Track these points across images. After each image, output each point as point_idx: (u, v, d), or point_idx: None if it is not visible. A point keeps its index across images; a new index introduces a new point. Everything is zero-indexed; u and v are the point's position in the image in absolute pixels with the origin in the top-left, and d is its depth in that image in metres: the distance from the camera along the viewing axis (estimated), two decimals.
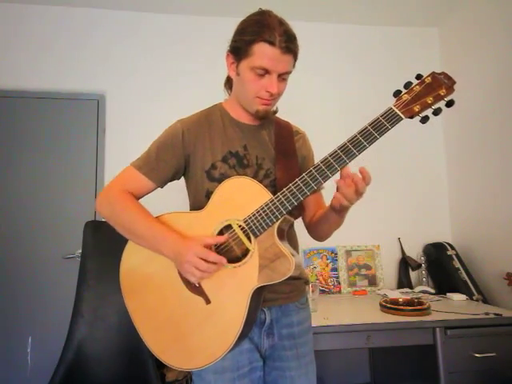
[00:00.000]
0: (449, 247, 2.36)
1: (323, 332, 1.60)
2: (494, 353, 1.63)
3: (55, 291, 2.18)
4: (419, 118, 0.83)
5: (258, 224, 0.89)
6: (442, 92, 0.81)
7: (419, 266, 2.36)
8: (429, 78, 0.83)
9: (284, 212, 0.88)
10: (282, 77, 0.95)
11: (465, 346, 1.65)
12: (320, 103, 2.53)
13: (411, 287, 2.33)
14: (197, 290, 0.92)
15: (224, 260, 0.87)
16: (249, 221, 0.90)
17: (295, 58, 0.96)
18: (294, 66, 0.98)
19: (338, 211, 0.93)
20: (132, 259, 1.01)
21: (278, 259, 0.87)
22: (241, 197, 0.92)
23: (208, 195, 0.98)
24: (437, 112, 0.82)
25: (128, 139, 2.33)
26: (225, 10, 2.45)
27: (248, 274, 0.89)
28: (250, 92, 0.96)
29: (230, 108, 1.07)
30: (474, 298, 2.08)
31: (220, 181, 0.96)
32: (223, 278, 0.90)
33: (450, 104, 0.82)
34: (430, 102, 0.81)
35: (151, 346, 0.94)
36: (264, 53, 0.90)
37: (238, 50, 0.95)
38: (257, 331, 0.99)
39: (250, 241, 0.90)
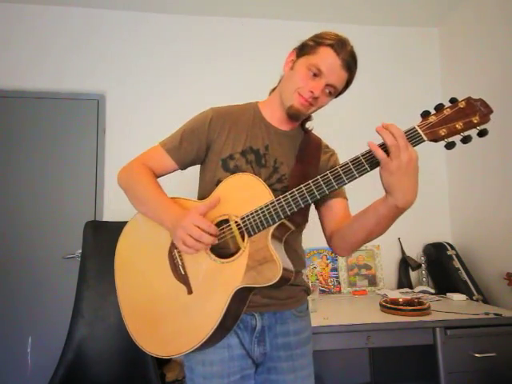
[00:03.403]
0: (449, 247, 2.36)
1: (323, 332, 1.60)
2: (494, 353, 1.63)
3: (55, 291, 2.18)
4: (444, 143, 0.77)
5: (254, 223, 0.88)
6: (475, 119, 0.74)
7: (419, 265, 2.36)
8: (463, 102, 0.76)
9: (282, 216, 0.86)
10: (329, 89, 0.97)
11: (465, 346, 1.65)
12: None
13: (411, 287, 2.33)
14: (182, 277, 0.91)
15: (216, 230, 0.87)
16: (246, 219, 0.89)
17: (348, 80, 0.98)
18: (342, 90, 1.01)
19: (387, 189, 0.79)
20: (128, 238, 1.03)
21: (266, 263, 0.85)
22: (243, 194, 0.92)
23: (218, 184, 0.97)
24: (466, 140, 0.76)
25: (128, 139, 2.33)
26: (225, 10, 2.45)
27: (234, 273, 0.87)
28: (294, 84, 0.97)
29: (264, 108, 1.08)
30: (474, 298, 2.08)
31: (233, 172, 0.97)
32: (210, 272, 0.89)
33: (482, 134, 0.75)
34: (459, 127, 0.75)
35: (128, 323, 0.95)
36: (326, 56, 0.93)
37: (304, 47, 0.98)
38: (247, 337, 0.96)
39: (244, 240, 0.89)
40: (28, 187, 2.26)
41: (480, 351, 1.63)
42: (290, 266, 0.91)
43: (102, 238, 1.91)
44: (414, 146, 0.77)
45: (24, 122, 2.31)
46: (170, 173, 1.07)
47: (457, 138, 0.77)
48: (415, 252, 2.46)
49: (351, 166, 0.81)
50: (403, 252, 2.43)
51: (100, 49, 2.42)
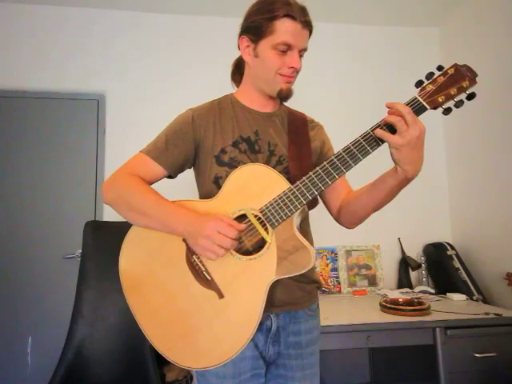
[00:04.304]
0: (449, 247, 2.36)
1: (323, 332, 1.59)
2: (494, 353, 1.63)
3: (55, 291, 2.18)
4: (441, 110, 0.82)
5: (275, 214, 0.84)
6: (465, 84, 0.79)
7: (419, 265, 2.36)
8: (451, 69, 0.80)
9: (304, 202, 0.84)
10: (301, 54, 0.95)
11: (465, 346, 1.65)
12: (320, 102, 2.53)
13: (411, 287, 2.33)
14: (209, 283, 0.86)
15: (239, 227, 0.83)
16: (266, 211, 0.85)
17: (310, 34, 0.96)
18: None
19: (398, 161, 0.81)
20: (132, 252, 0.94)
21: (298, 251, 0.83)
22: (256, 185, 0.88)
23: (216, 181, 0.95)
24: (458, 104, 0.80)
25: (128, 139, 2.33)
26: (225, 10, 2.44)
27: (265, 267, 0.84)
28: (271, 70, 0.93)
29: (240, 96, 1.05)
30: (474, 298, 2.08)
31: (229, 165, 0.94)
32: (237, 271, 0.85)
33: (471, 97, 0.80)
34: (453, 93, 0.79)
35: (157, 344, 0.87)
36: (287, 28, 0.90)
37: (257, 29, 0.92)
38: (262, 338, 0.95)
39: (268, 232, 0.85)
40: (28, 187, 2.26)
41: (480, 351, 1.63)
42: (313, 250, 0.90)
43: (102, 238, 1.91)
44: (418, 115, 0.80)
45: (24, 121, 2.31)
46: (157, 181, 0.99)
47: (451, 104, 0.82)
48: (415, 252, 2.46)
49: (364, 143, 0.82)
50: (403, 252, 2.43)
51: (100, 49, 2.42)
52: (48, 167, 2.30)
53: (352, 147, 0.83)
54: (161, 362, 1.92)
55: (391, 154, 0.80)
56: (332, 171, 0.84)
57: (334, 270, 2.34)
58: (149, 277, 0.91)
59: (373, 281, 2.35)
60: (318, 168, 0.85)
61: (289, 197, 0.84)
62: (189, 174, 1.07)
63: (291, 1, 0.91)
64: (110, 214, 2.26)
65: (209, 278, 0.87)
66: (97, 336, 1.72)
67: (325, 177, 0.84)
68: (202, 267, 0.88)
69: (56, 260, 2.21)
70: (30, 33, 2.36)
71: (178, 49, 2.49)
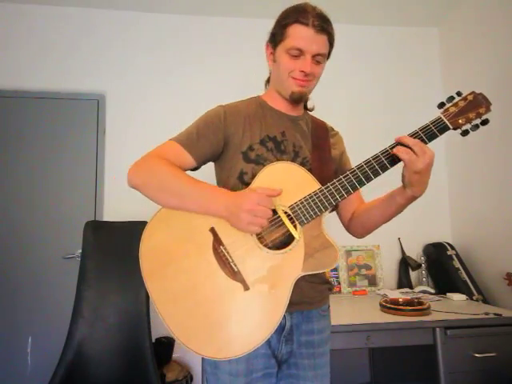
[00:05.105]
0: (449, 247, 2.36)
1: None
2: (494, 353, 1.63)
3: (55, 291, 2.18)
4: (460, 131, 0.92)
5: (305, 212, 0.88)
6: (482, 110, 0.89)
7: (419, 265, 2.36)
8: (471, 95, 0.90)
9: (334, 203, 0.89)
10: (317, 59, 0.96)
11: (465, 346, 1.65)
12: (320, 102, 2.53)
13: (411, 287, 2.33)
14: (235, 274, 0.87)
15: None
16: (296, 208, 0.88)
17: (330, 40, 0.98)
18: (329, 51, 1.00)
19: (407, 184, 0.90)
20: (156, 237, 0.90)
21: (324, 249, 0.87)
22: (287, 182, 0.91)
23: (241, 177, 0.97)
24: (474, 128, 0.90)
25: (128, 139, 2.33)
26: (224, 10, 2.45)
27: (292, 262, 0.87)
28: (284, 73, 0.97)
29: (268, 99, 1.08)
30: (474, 298, 2.08)
31: (256, 162, 0.96)
32: (263, 265, 0.87)
33: (484, 122, 0.90)
34: (471, 117, 0.90)
35: (176, 332, 0.85)
36: (297, 33, 0.94)
37: (275, 37, 0.99)
38: (275, 336, 0.95)
39: (296, 229, 0.88)
40: (28, 187, 2.26)
41: (480, 351, 1.63)
42: None
43: (102, 238, 1.91)
44: (441, 133, 0.90)
45: (24, 122, 2.31)
46: (186, 170, 0.98)
47: (467, 127, 0.92)
48: (415, 252, 2.46)
49: (383, 160, 0.89)
50: (403, 252, 2.43)
51: (100, 49, 2.42)
52: (48, 167, 2.30)
53: (380, 155, 0.90)
54: (161, 362, 1.92)
55: (403, 177, 0.89)
56: (361, 177, 0.89)
57: (334, 269, 2.34)
58: (172, 263, 0.89)
59: (373, 281, 2.35)
60: (348, 172, 0.90)
61: (319, 197, 0.89)
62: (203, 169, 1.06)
63: (309, 8, 0.95)
64: (110, 214, 2.26)
65: (235, 270, 0.87)
66: (97, 336, 1.72)
67: (354, 181, 0.89)
68: (229, 258, 0.87)
69: (56, 260, 2.21)
70: (30, 33, 2.36)
71: (178, 49, 2.49)
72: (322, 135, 1.08)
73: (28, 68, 2.34)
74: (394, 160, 0.89)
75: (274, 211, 0.88)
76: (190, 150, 0.96)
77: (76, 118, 2.37)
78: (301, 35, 0.93)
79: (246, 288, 0.86)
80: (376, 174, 0.89)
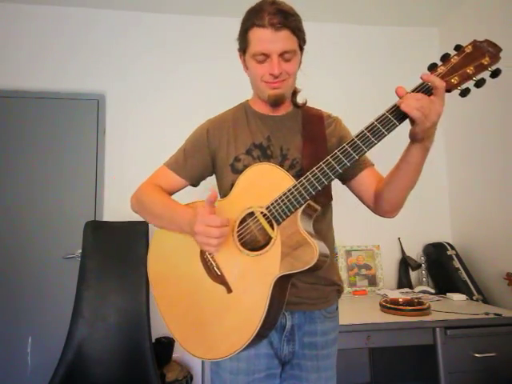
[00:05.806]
0: (449, 247, 2.36)
1: None
2: (494, 353, 1.63)
3: (55, 291, 2.18)
4: (458, 92, 0.76)
5: (280, 210, 0.86)
6: (486, 61, 0.74)
7: (419, 265, 2.36)
8: (469, 46, 0.76)
9: (307, 197, 0.84)
10: (285, 57, 0.92)
11: (465, 346, 1.65)
12: (320, 102, 2.53)
13: (411, 287, 2.33)
14: (219, 278, 0.90)
15: (226, 220, 0.85)
16: (271, 207, 0.87)
17: (296, 33, 0.92)
18: (300, 43, 0.95)
19: (421, 140, 0.81)
20: (158, 249, 1.03)
21: (301, 247, 0.83)
22: (264, 183, 0.91)
23: (232, 187, 0.98)
24: (479, 84, 0.75)
25: (128, 139, 2.33)
26: (225, 10, 2.44)
27: (270, 263, 0.86)
28: (256, 79, 0.96)
29: (253, 103, 1.08)
30: (474, 298, 2.08)
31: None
32: (245, 267, 0.88)
33: (495, 74, 0.74)
34: (470, 72, 0.74)
35: (175, 334, 0.94)
36: (257, 37, 0.91)
37: (240, 43, 0.98)
38: (277, 336, 0.96)
39: (273, 228, 0.87)
40: (28, 187, 2.26)
41: (480, 351, 1.63)
42: (325, 247, 0.89)
43: (102, 238, 1.91)
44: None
45: (24, 121, 2.31)
46: (181, 189, 1.08)
47: (470, 84, 0.76)
48: (415, 252, 2.46)
49: (368, 134, 0.80)
50: (403, 252, 2.43)
51: (100, 49, 2.42)
52: (48, 167, 2.30)
53: (356, 139, 0.81)
54: (161, 361, 1.92)
55: (415, 134, 0.80)
56: (335, 164, 0.82)
57: None
58: (170, 272, 0.99)
59: (373, 281, 2.35)
60: (321, 163, 0.84)
61: (292, 193, 0.85)
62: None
63: (265, 6, 0.90)
64: (110, 214, 2.26)
65: (219, 273, 0.90)
66: (97, 336, 1.72)
67: (328, 171, 0.83)
68: (212, 263, 0.92)
69: (56, 260, 2.21)
70: (30, 33, 2.36)
71: (178, 49, 2.49)
72: (315, 128, 1.03)
73: (28, 68, 2.34)
74: (389, 125, 0.79)
75: (253, 214, 0.89)
76: (179, 173, 1.05)
77: (76, 118, 2.37)
78: (260, 39, 0.90)
79: (230, 291, 0.89)
80: (350, 159, 0.81)
